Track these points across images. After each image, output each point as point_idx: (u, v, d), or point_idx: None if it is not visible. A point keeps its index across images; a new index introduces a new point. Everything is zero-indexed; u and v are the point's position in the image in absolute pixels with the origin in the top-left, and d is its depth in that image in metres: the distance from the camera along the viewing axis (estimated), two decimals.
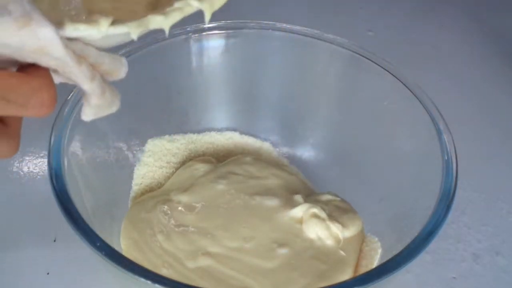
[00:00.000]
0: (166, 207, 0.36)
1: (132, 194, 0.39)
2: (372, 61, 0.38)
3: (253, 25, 0.41)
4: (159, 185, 0.40)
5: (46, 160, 0.32)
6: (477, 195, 0.45)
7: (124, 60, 0.23)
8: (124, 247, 0.34)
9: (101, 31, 0.21)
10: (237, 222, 0.35)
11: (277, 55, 0.42)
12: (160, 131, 0.42)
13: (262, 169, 0.40)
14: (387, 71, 0.37)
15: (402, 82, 0.36)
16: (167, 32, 0.22)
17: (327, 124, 0.43)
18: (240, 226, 0.35)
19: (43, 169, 0.44)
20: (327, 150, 0.43)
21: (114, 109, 0.23)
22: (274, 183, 0.39)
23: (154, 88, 0.41)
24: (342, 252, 0.34)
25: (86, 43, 0.21)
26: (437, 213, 0.29)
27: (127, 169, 0.40)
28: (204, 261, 0.33)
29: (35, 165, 0.44)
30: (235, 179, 0.39)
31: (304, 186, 0.41)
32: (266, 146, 0.44)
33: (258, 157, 0.43)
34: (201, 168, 0.40)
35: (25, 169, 0.44)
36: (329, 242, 0.35)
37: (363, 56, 0.39)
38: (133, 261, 0.26)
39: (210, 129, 0.44)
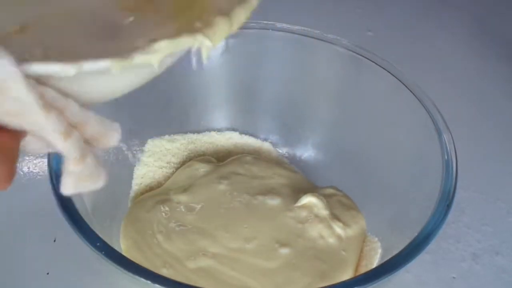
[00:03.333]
0: (166, 207, 0.36)
1: (132, 194, 0.39)
2: (372, 61, 0.38)
3: (253, 25, 0.41)
4: (159, 185, 0.40)
5: (46, 160, 0.32)
6: (477, 195, 0.45)
7: (117, 126, 0.19)
8: (124, 247, 0.34)
9: (72, 67, 0.16)
10: (238, 222, 0.35)
11: (277, 55, 0.42)
12: (160, 131, 0.42)
13: (265, 169, 0.40)
14: (387, 71, 0.37)
15: (402, 82, 0.36)
16: (156, 67, 0.18)
17: (327, 124, 0.43)
18: (241, 227, 0.35)
19: (43, 169, 0.44)
20: (327, 150, 0.43)
21: (99, 183, 0.19)
22: (278, 183, 0.39)
23: (154, 88, 0.40)
24: (343, 252, 0.34)
25: (64, 93, 0.17)
26: (437, 213, 0.29)
27: (127, 169, 0.39)
28: (204, 262, 0.33)
29: (35, 165, 0.44)
30: (238, 179, 0.39)
31: (307, 184, 0.41)
32: (266, 146, 0.44)
33: (258, 157, 0.43)
34: (201, 168, 0.40)
35: (25, 169, 0.44)
36: (331, 241, 0.35)
37: (363, 56, 0.39)
38: (133, 261, 0.26)
39: (210, 129, 0.44)
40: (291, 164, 0.43)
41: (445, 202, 0.30)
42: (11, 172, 0.17)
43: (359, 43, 0.39)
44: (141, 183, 0.40)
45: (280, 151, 0.44)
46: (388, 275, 0.26)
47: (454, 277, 0.39)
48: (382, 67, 0.38)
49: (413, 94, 0.36)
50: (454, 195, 0.30)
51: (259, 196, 0.37)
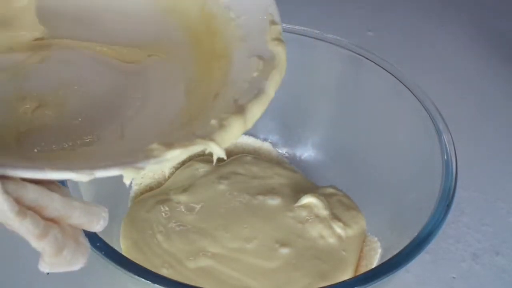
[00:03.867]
0: (166, 207, 0.36)
1: (132, 194, 0.39)
2: (372, 61, 0.38)
3: None
4: (159, 185, 0.40)
5: None
6: (477, 195, 0.45)
7: (103, 213, 0.19)
8: (124, 247, 0.34)
9: (86, 176, 0.17)
10: (238, 222, 0.35)
11: None
12: None
13: (265, 169, 0.40)
14: (387, 71, 0.37)
15: (402, 82, 0.36)
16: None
17: (327, 124, 0.43)
18: (241, 227, 0.35)
19: None
20: (327, 150, 0.43)
21: (76, 267, 0.20)
22: (278, 183, 0.39)
23: None
24: (343, 252, 0.34)
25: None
26: (437, 213, 0.29)
27: None
28: (204, 262, 0.33)
29: None
30: (238, 179, 0.39)
31: (307, 184, 0.41)
32: (266, 146, 0.44)
33: (258, 157, 0.43)
34: (201, 168, 0.40)
35: None
36: (331, 241, 0.35)
37: (363, 56, 0.39)
38: (133, 261, 0.26)
39: None
40: (291, 164, 0.43)
41: (445, 202, 0.30)
42: None
43: (359, 43, 0.39)
44: (141, 183, 0.40)
45: (280, 151, 0.44)
46: (388, 275, 0.26)
47: (454, 277, 0.39)
48: (382, 67, 0.38)
49: (413, 94, 0.36)
50: (454, 195, 0.30)
51: (259, 196, 0.37)
